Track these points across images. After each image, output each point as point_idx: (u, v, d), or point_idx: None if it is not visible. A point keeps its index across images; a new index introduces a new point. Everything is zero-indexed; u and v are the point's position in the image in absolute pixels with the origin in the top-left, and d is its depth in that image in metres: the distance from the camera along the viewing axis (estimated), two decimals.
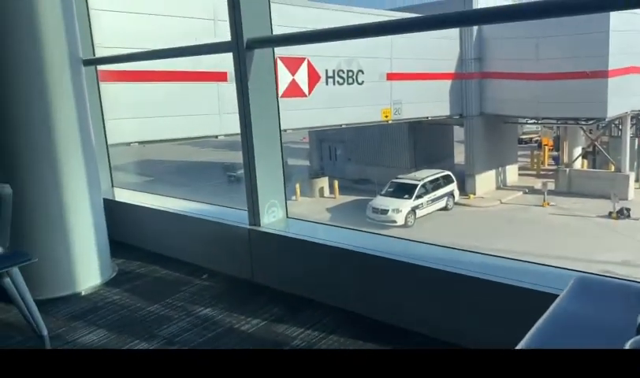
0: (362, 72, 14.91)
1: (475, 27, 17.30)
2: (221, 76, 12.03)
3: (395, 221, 15.30)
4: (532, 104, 16.23)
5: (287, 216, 2.83)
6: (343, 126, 15.52)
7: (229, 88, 12.46)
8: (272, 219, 2.74)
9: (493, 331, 1.90)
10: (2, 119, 2.60)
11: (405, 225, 15.33)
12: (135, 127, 9.35)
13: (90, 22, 3.45)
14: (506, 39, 16.24)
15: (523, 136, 23.30)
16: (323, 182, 19.16)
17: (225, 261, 2.87)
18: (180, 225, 3.13)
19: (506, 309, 1.89)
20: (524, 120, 20.06)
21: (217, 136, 13.00)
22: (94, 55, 3.52)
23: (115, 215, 3.18)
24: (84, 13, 3.34)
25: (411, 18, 2.92)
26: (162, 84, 11.02)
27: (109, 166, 3.66)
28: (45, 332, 2.15)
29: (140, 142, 11.01)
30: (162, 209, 3.25)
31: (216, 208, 3.23)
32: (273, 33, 2.66)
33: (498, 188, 18.76)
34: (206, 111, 11.91)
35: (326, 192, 18.95)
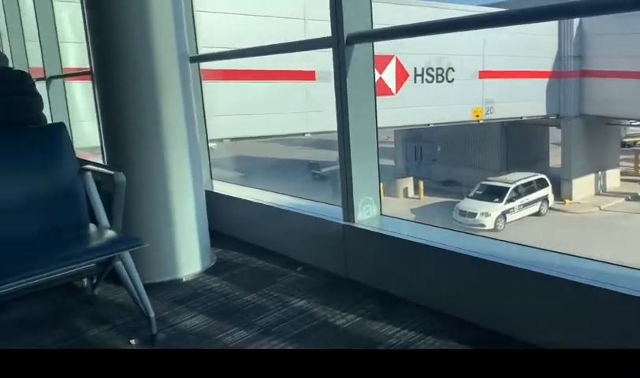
0: (453, 70, 14.54)
1: (575, 23, 16.32)
2: (309, 75, 12.21)
3: (483, 225, 14.80)
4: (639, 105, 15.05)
5: (380, 214, 2.80)
6: (431, 125, 15.22)
7: (317, 87, 12.63)
8: (366, 215, 2.72)
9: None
10: (116, 109, 2.78)
11: (494, 230, 14.78)
12: (228, 123, 9.73)
13: (194, 21, 3.60)
14: (611, 36, 15.17)
15: (627, 139, 21.71)
16: (408, 182, 18.92)
17: (318, 255, 2.89)
18: (276, 218, 3.19)
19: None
20: (628, 122, 18.69)
21: (303, 134, 13.20)
22: (197, 53, 3.67)
23: (214, 206, 3.29)
24: (189, 13, 3.49)
25: (512, 10, 2.78)
26: (254, 83, 11.37)
27: (209, 159, 3.80)
28: (152, 314, 2.26)
29: (232, 139, 11.42)
30: (259, 201, 3.33)
31: (310, 202, 3.26)
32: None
33: (597, 194, 17.60)
34: (294, 109, 12.12)
35: (410, 193, 18.69)
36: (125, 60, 2.70)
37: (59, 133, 2.40)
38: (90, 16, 2.85)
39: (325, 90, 12.37)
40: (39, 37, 5.28)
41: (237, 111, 10.60)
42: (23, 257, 2.03)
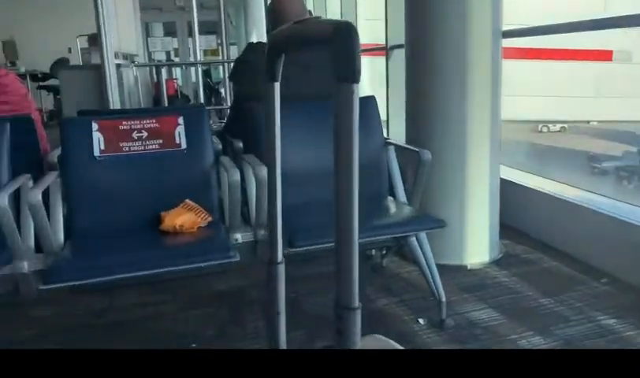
0: None
1: None
2: (604, 55, 10.75)
3: None
4: None
5: None
6: None
7: (612, 68, 10.95)
8: None
9: None
10: (423, 83, 2.75)
11: None
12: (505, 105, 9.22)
13: None
14: None
15: None
16: None
17: (630, 268, 2.45)
18: (575, 217, 2.82)
19: None
20: None
21: (588, 122, 11.76)
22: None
23: (501, 194, 3.08)
24: None
25: None
26: (536, 62, 10.49)
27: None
28: (443, 299, 2.20)
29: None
30: (556, 195, 2.99)
31: (619, 204, 2.79)
32: None
33: None
34: (582, 93, 10.83)
35: None
36: (438, 33, 2.64)
37: (370, 105, 2.48)
38: None
39: (623, 73, 10.78)
40: (341, 15, 5.69)
41: (514, 92, 9.97)
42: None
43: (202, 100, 6.90)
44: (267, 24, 2.64)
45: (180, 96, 8.00)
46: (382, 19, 4.42)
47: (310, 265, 2.61)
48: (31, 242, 1.91)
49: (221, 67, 9.53)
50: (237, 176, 1.94)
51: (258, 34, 10.90)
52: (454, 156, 2.69)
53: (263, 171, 1.94)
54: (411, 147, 2.35)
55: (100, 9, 4.66)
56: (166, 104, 5.90)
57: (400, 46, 3.99)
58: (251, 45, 2.72)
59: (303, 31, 0.85)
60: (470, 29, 2.60)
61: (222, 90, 8.36)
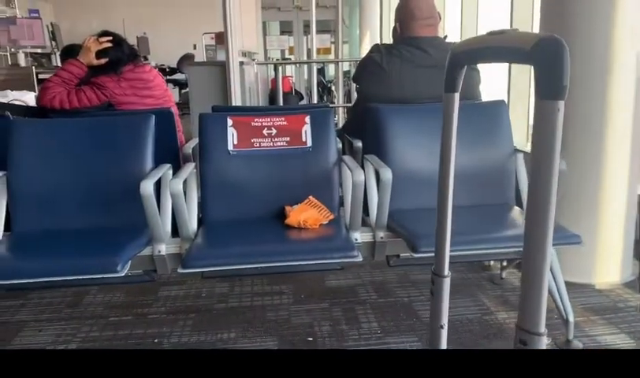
0: None
1: None
2: None
3: None
4: None
5: None
6: None
7: None
8: None
9: None
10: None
11: None
12: None
13: None
14: None
15: None
16: None
17: None
18: None
19: None
20: None
21: None
22: None
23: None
24: None
25: None
26: None
27: None
28: (571, 319, 2.07)
29: None
30: None
31: None
32: None
33: None
34: None
35: None
36: (578, 39, 2.48)
37: (501, 110, 2.39)
38: None
39: None
40: (461, 22, 5.52)
41: None
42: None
43: (315, 97, 7.04)
44: (395, 21, 2.62)
45: (294, 93, 8.21)
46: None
47: (424, 269, 2.57)
48: (169, 228, 2.07)
49: (333, 65, 9.69)
50: (362, 177, 1.95)
51: (372, 33, 10.92)
52: (590, 166, 2.51)
53: (388, 173, 1.94)
54: None
55: (227, 9, 4.91)
56: (282, 100, 6.09)
57: None
58: (376, 46, 2.72)
59: (499, 43, 0.82)
60: (613, 32, 2.40)
61: (334, 89, 8.48)
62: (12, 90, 2.92)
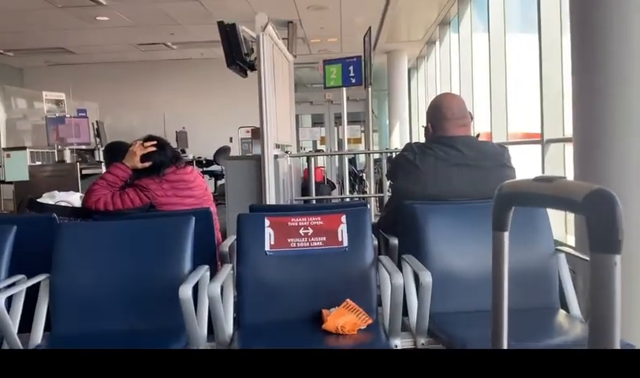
0: None
1: None
2: None
3: None
4: None
5: None
6: None
7: None
8: None
9: None
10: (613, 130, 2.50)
11: None
12: None
13: None
14: None
15: None
16: None
17: None
18: None
19: None
20: None
21: None
22: None
23: None
24: None
25: None
26: None
27: None
28: None
29: None
30: None
31: None
32: None
33: None
34: None
35: None
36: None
37: (539, 209, 2.36)
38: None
39: None
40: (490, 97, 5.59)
41: None
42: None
43: (347, 188, 7.14)
44: (427, 121, 2.68)
45: (326, 183, 8.35)
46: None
47: None
48: (205, 330, 2.05)
49: (363, 156, 9.89)
50: (401, 281, 1.92)
51: (402, 123, 11.18)
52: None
53: (427, 277, 1.91)
54: (582, 256, 2.17)
55: (264, 105, 5.12)
56: (314, 189, 6.20)
57: (562, 140, 3.81)
58: (409, 145, 2.77)
59: (548, 191, 0.82)
60: None
61: (365, 178, 8.59)
62: (59, 191, 3.06)
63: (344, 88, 7.07)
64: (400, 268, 2.06)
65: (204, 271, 2.12)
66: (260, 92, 4.74)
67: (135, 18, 8.05)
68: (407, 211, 2.40)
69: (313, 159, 6.77)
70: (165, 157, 2.62)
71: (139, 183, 2.55)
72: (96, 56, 10.56)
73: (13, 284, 2.05)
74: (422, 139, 2.83)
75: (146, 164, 2.59)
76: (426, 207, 2.36)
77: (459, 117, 2.59)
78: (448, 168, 2.53)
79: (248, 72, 5.64)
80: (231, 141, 10.14)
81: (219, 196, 7.82)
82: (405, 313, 2.08)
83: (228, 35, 5.27)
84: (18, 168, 6.06)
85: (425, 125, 2.72)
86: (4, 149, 6.76)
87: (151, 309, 2.15)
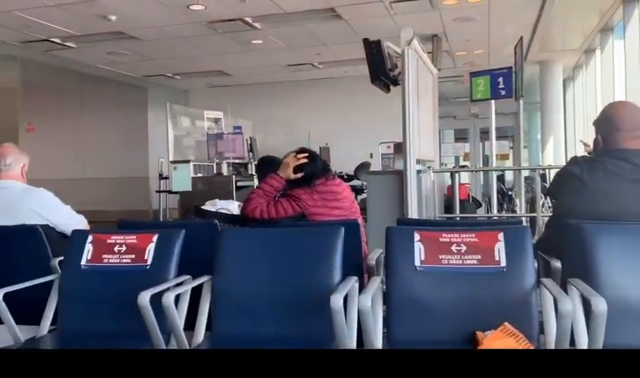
0: None
1: None
2: None
3: None
4: None
5: None
6: None
7: None
8: None
9: None
10: None
11: None
12: None
13: None
14: None
15: None
16: None
17: None
18: None
19: None
20: None
21: None
22: None
23: None
24: None
25: None
26: None
27: None
28: None
29: None
30: None
31: None
32: None
33: None
34: None
35: None
36: None
37: None
38: None
39: None
40: None
41: None
42: None
43: (495, 206, 6.76)
44: (596, 133, 2.44)
45: (471, 201, 8.01)
46: None
47: None
48: (354, 342, 2.04)
49: (511, 173, 9.34)
50: (569, 306, 1.74)
51: (556, 138, 10.40)
52: None
53: (602, 304, 1.70)
54: None
55: (407, 119, 5.06)
56: (458, 207, 5.99)
57: None
58: (575, 159, 2.54)
59: None
60: None
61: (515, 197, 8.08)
62: (219, 199, 3.30)
63: (493, 101, 6.75)
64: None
65: (353, 282, 2.11)
66: (404, 106, 4.70)
67: (286, 40, 8.50)
68: (572, 231, 2.19)
69: (457, 175, 6.54)
70: (315, 168, 2.69)
71: (292, 193, 2.65)
72: (250, 77, 11.36)
73: (181, 284, 2.22)
74: (581, 154, 2.60)
75: (299, 175, 2.67)
76: (596, 227, 2.13)
77: (632, 129, 2.33)
78: (621, 183, 2.28)
79: (391, 87, 5.63)
80: (371, 157, 10.21)
81: (360, 210, 7.85)
82: (571, 343, 1.88)
83: (373, 51, 5.33)
84: (183, 180, 6.71)
85: (595, 137, 2.48)
86: (171, 162, 7.51)
87: (302, 315, 2.20)
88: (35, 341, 2.25)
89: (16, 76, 10.39)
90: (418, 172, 5.64)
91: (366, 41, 5.32)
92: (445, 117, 12.38)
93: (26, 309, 2.28)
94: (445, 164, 12.26)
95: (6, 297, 2.18)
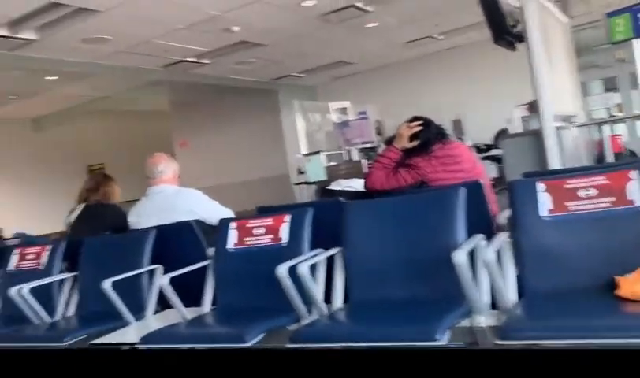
0: None
1: None
2: None
3: None
4: None
5: None
6: None
7: None
8: None
9: None
10: None
11: None
12: None
13: None
14: None
15: None
16: None
17: None
18: None
19: None
20: None
21: None
22: None
23: None
24: None
25: None
26: None
27: None
28: None
29: None
30: None
31: None
32: None
33: None
34: None
35: None
36: None
37: None
38: None
39: None
40: None
41: None
42: None
43: None
44: None
45: (629, 153, 7.27)
46: None
47: None
48: (486, 299, 2.04)
49: None
50: None
51: None
52: None
53: None
54: None
55: (537, 75, 4.78)
56: (612, 161, 5.49)
57: None
58: None
59: None
60: None
61: None
62: (343, 179, 3.45)
63: (636, 41, 6.05)
64: None
65: (479, 239, 2.11)
66: (531, 62, 4.48)
67: (400, 17, 8.43)
68: None
69: (606, 127, 5.99)
70: (430, 134, 2.71)
71: (410, 162, 2.70)
72: (372, 61, 11.42)
73: (314, 256, 2.39)
74: None
75: (415, 143, 2.71)
76: None
77: None
78: None
79: (517, 44, 5.34)
80: (509, 122, 9.70)
81: (501, 179, 7.58)
82: None
83: (491, 10, 5.10)
84: (317, 170, 7.06)
85: None
86: (304, 155, 7.91)
87: (431, 278, 2.24)
88: (200, 318, 2.57)
89: (164, 99, 11.63)
90: (558, 128, 5.29)
91: (482, 1, 5.10)
92: (588, 68, 11.30)
93: (190, 294, 2.63)
94: (594, 118, 11.19)
95: (174, 284, 2.53)
